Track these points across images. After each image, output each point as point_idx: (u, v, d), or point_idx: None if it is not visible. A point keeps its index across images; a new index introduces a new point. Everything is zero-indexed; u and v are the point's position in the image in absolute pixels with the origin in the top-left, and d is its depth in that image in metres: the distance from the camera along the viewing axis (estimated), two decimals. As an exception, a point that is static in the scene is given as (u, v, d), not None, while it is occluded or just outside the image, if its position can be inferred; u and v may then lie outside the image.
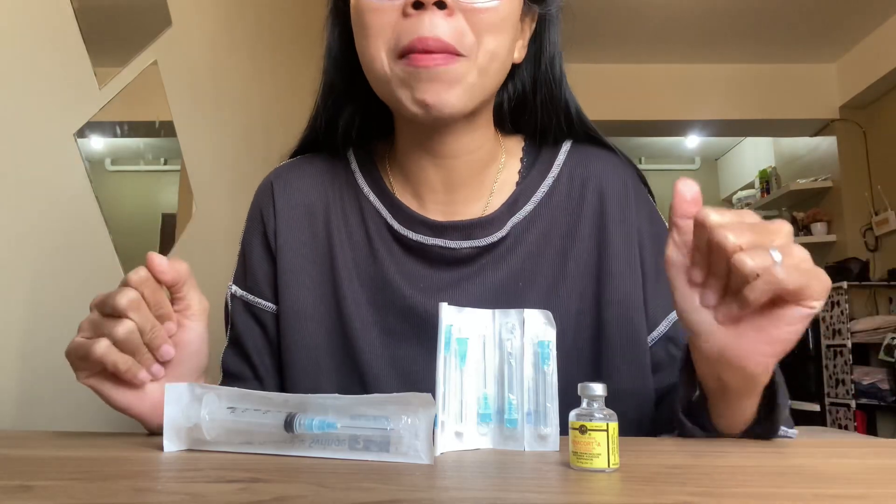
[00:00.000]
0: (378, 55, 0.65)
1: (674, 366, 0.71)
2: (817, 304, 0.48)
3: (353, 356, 0.71)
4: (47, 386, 0.92)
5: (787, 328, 0.49)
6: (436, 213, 0.74)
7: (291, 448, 0.48)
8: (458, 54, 0.63)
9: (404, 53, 0.63)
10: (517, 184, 0.76)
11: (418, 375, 0.69)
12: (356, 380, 0.71)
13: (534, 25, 0.74)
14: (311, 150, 0.81)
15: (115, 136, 1.14)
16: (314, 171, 0.79)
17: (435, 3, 0.62)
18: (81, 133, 1.00)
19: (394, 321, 0.71)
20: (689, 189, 0.51)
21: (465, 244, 0.71)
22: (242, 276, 0.79)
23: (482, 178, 0.75)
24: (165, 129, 1.30)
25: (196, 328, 0.62)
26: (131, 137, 1.22)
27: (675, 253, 0.52)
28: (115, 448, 0.53)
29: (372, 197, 0.75)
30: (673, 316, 0.72)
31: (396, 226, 0.73)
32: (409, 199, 0.75)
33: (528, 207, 0.74)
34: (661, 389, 0.72)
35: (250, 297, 0.77)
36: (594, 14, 3.91)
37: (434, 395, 0.48)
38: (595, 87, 4.39)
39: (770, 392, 0.57)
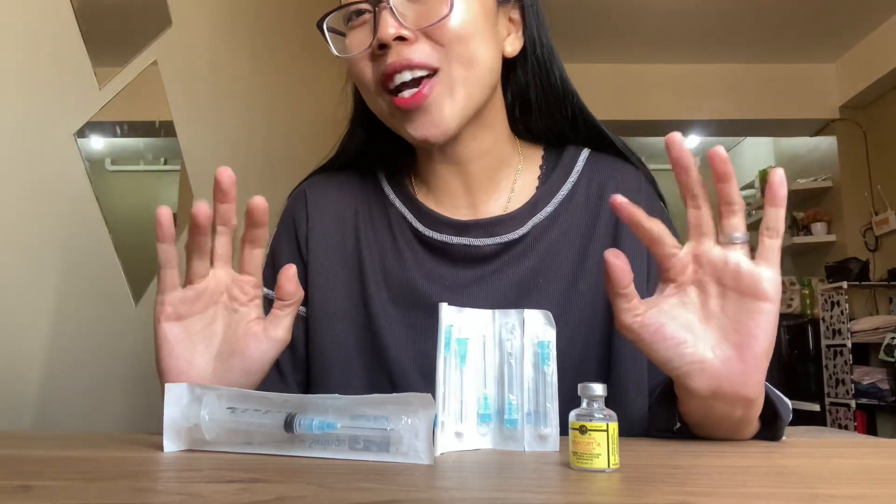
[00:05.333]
0: (371, 96, 0.72)
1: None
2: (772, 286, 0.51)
3: (380, 353, 0.74)
4: (47, 385, 0.92)
5: (758, 317, 0.51)
6: (458, 216, 0.77)
7: (291, 448, 0.48)
8: (431, 68, 0.68)
9: (387, 85, 0.69)
10: (537, 188, 0.79)
11: None
12: (384, 375, 0.74)
13: (519, 15, 0.76)
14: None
15: (115, 136, 1.14)
16: (344, 182, 0.83)
17: (395, 39, 0.67)
18: (81, 133, 1.00)
19: (419, 319, 0.74)
20: (622, 262, 0.53)
21: (488, 241, 0.75)
22: (271, 278, 0.80)
23: (499, 180, 0.78)
24: (165, 129, 1.30)
25: (270, 338, 0.61)
26: (131, 137, 1.22)
27: (629, 315, 0.53)
28: (115, 448, 0.53)
29: (398, 203, 0.79)
30: None
31: (421, 228, 0.76)
32: (432, 204, 0.78)
33: (549, 209, 0.77)
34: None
35: None
36: (594, 14, 3.91)
37: (434, 394, 0.48)
38: (595, 87, 4.39)
39: (769, 412, 0.57)
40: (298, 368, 0.78)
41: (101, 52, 1.03)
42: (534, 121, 0.81)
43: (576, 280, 0.74)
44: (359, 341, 0.75)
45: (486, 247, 0.74)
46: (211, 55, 1.51)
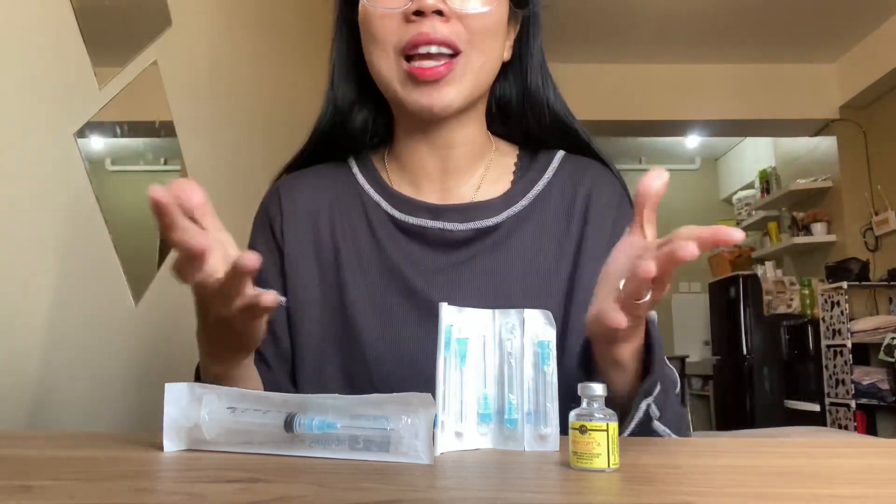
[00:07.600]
0: (384, 55, 0.73)
1: None
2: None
3: (354, 337, 0.75)
4: (46, 385, 0.92)
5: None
6: (432, 198, 0.80)
7: (291, 448, 0.48)
8: (456, 50, 0.72)
9: (407, 50, 0.71)
10: (512, 182, 0.81)
11: (418, 356, 0.72)
12: (359, 361, 0.74)
13: (518, 27, 0.81)
14: (313, 160, 0.87)
15: (115, 136, 1.14)
16: (316, 176, 0.84)
17: (434, 12, 0.70)
18: (81, 133, 1.00)
19: (395, 304, 0.75)
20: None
21: (461, 226, 0.77)
22: None
23: (474, 168, 0.81)
24: (165, 129, 1.30)
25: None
26: (131, 137, 1.22)
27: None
28: (115, 448, 0.53)
29: (372, 192, 0.81)
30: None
31: (396, 213, 0.78)
32: (407, 188, 0.81)
33: (524, 202, 0.79)
34: None
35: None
36: (594, 14, 3.91)
37: (434, 394, 0.48)
38: (595, 88, 4.39)
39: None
40: (285, 359, 0.78)
41: (101, 52, 1.03)
42: (512, 123, 0.84)
43: (551, 274, 0.76)
44: (333, 328, 0.76)
45: (459, 232, 0.76)
46: (211, 55, 1.51)
